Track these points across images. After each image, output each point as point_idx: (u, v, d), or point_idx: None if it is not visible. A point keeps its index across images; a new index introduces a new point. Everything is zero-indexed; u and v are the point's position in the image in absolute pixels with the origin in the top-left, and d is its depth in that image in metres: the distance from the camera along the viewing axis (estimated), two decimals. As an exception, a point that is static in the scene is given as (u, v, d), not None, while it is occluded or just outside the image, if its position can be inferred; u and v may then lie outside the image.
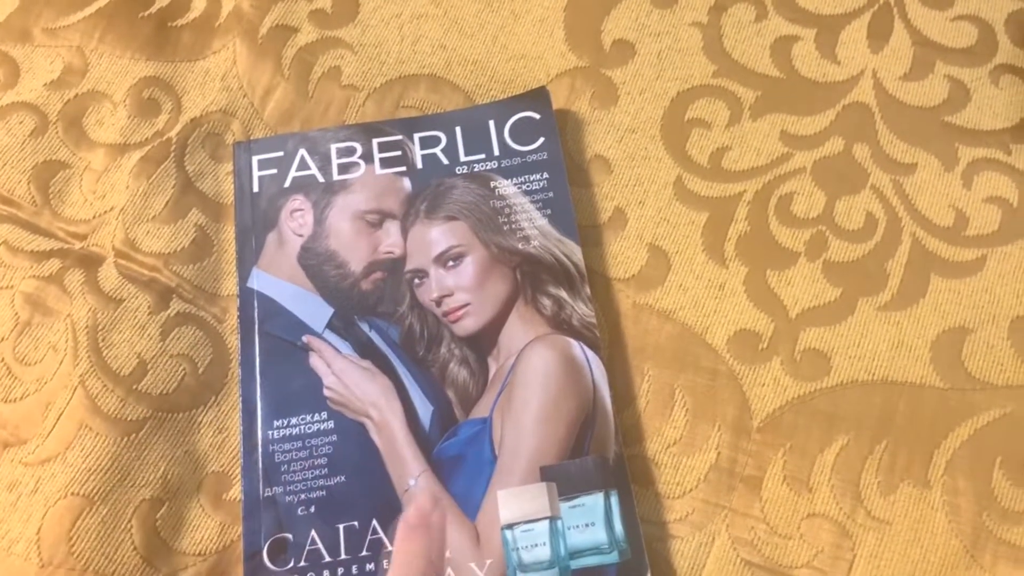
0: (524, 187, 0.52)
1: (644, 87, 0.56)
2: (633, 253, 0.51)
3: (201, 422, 0.48)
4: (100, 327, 0.49)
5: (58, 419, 0.47)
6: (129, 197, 0.53)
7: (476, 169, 0.53)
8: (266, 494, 0.45)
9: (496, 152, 0.53)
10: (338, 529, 0.45)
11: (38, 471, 0.46)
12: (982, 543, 0.44)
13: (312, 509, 0.45)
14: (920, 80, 0.55)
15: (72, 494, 0.45)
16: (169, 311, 0.50)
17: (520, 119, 0.54)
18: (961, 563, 0.44)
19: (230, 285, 0.51)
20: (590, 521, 0.44)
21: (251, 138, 0.55)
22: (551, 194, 0.52)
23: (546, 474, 0.45)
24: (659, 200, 0.53)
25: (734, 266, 0.51)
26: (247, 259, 0.51)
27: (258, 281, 0.50)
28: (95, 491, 0.45)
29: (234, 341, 0.50)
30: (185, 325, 0.50)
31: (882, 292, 0.50)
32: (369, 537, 0.44)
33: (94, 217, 0.53)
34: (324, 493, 0.45)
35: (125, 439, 0.47)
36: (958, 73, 0.55)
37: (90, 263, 0.51)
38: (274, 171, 0.53)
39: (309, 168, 0.53)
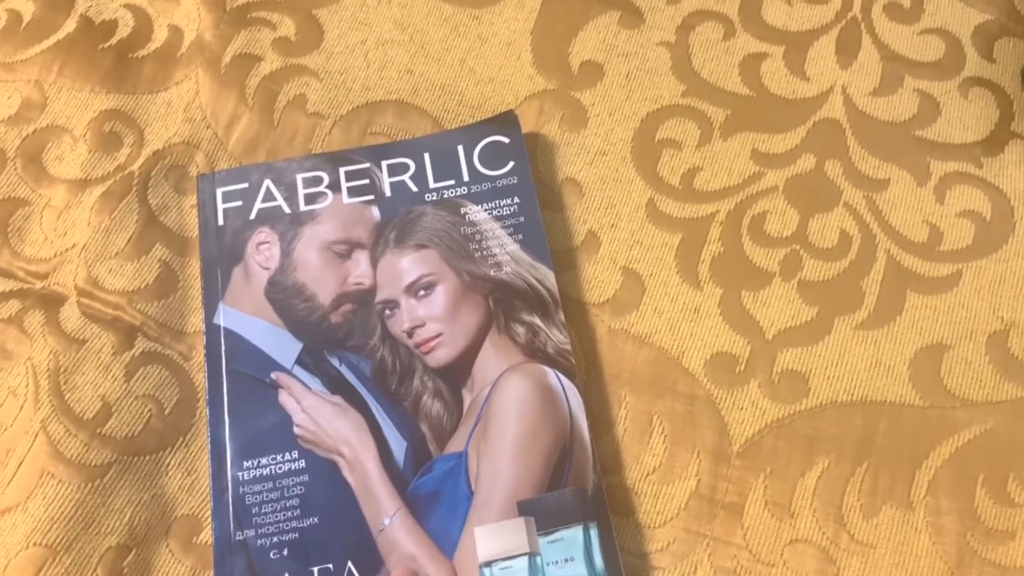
0: (495, 212, 0.51)
1: (613, 108, 0.55)
2: (607, 277, 0.51)
3: (168, 464, 0.47)
4: (62, 369, 0.48)
5: (19, 467, 0.45)
6: (91, 234, 0.52)
7: (446, 195, 0.52)
8: (237, 537, 0.44)
9: (466, 178, 0.53)
10: (312, 572, 0.43)
11: (-2, 522, 0.44)
12: (967, 564, 0.43)
13: (285, 552, 0.44)
14: (889, 95, 0.55)
15: (34, 544, 0.44)
16: (134, 350, 0.49)
17: (489, 143, 0.53)
18: (946, 585, 0.43)
19: (196, 321, 0.50)
20: (569, 556, 0.43)
21: (215, 169, 0.54)
22: (522, 219, 0.51)
23: (524, 508, 0.44)
24: (632, 223, 0.52)
25: (709, 288, 0.50)
26: (213, 295, 0.50)
27: (225, 317, 0.49)
28: (58, 541, 0.44)
29: (201, 379, 0.48)
30: (150, 364, 0.49)
31: (858, 310, 0.49)
32: (344, 579, 0.43)
33: (55, 255, 0.51)
34: (297, 535, 0.44)
35: (89, 485, 0.45)
36: (927, 87, 0.55)
37: (51, 303, 0.50)
38: (239, 203, 0.52)
39: (275, 199, 0.52)
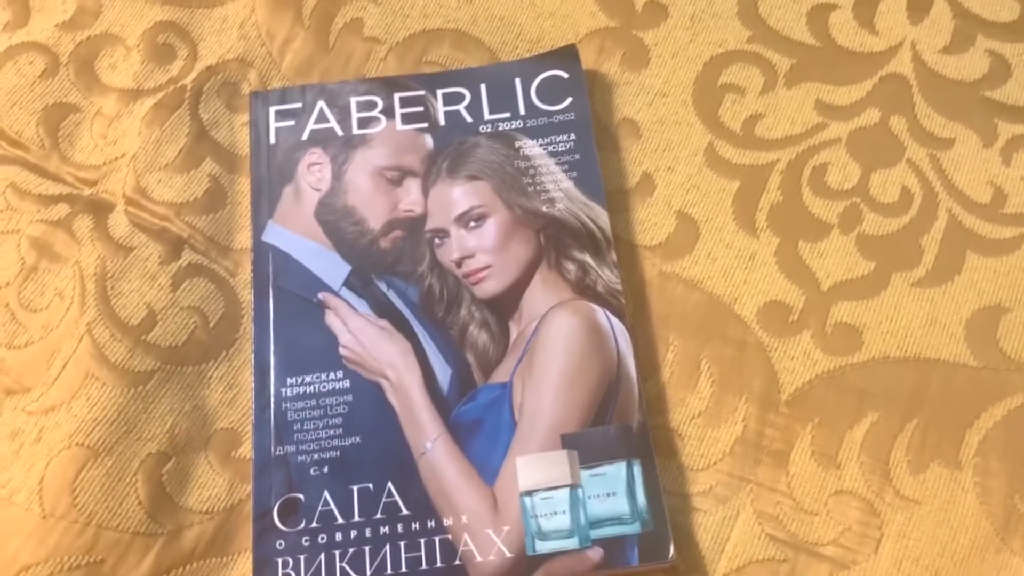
0: (550, 148, 0.50)
1: (676, 50, 0.54)
2: (661, 220, 0.50)
3: (211, 377, 0.46)
4: (109, 275, 0.47)
5: (63, 367, 0.45)
6: (141, 144, 0.51)
7: (500, 128, 0.51)
8: (277, 453, 0.44)
9: (522, 111, 0.52)
10: (352, 491, 0.43)
11: (42, 420, 0.44)
12: (1013, 526, 0.43)
13: (325, 469, 0.43)
14: (960, 54, 0.53)
15: (76, 444, 0.43)
16: (180, 262, 0.48)
17: (547, 78, 0.52)
18: (991, 546, 0.43)
19: (243, 238, 0.49)
20: (612, 490, 0.43)
21: (268, 89, 0.53)
22: (577, 156, 0.50)
23: (567, 442, 0.43)
24: (689, 167, 0.51)
25: (765, 236, 0.49)
26: (262, 212, 0.49)
27: (273, 235, 0.49)
28: (100, 442, 0.44)
29: (246, 296, 0.48)
30: (197, 277, 0.48)
31: (916, 268, 0.48)
32: (384, 500, 0.43)
33: (104, 163, 0.51)
34: (338, 454, 0.44)
35: (132, 391, 0.45)
36: (999, 48, 0.53)
37: (99, 209, 0.49)
38: (292, 123, 0.51)
39: (328, 121, 0.51)
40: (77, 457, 0.43)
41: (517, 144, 0.51)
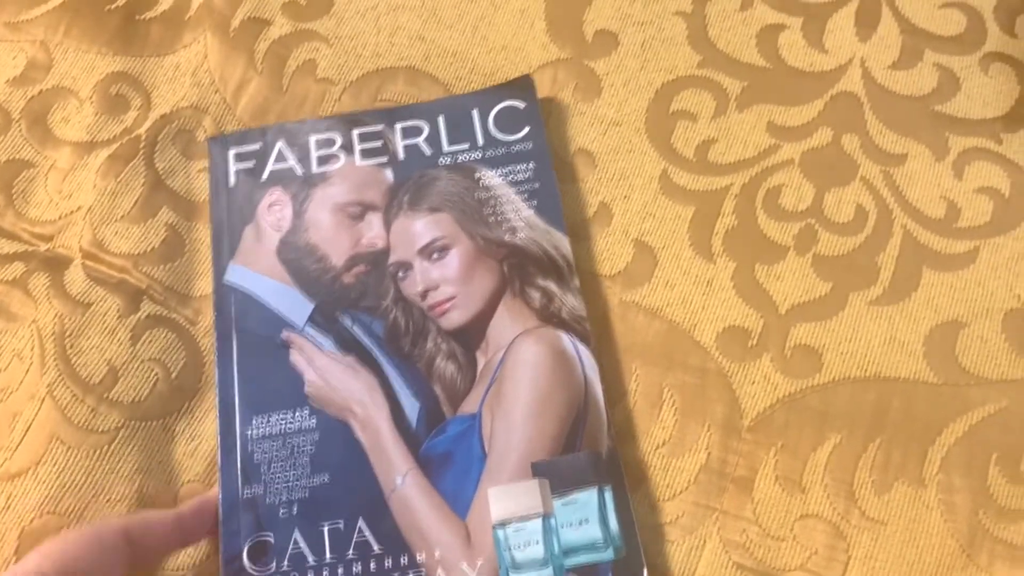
0: (509, 178, 0.51)
1: (628, 78, 0.54)
2: (619, 249, 0.50)
3: (175, 430, 0.46)
4: (68, 333, 0.47)
5: (26, 431, 0.45)
6: (97, 196, 0.51)
7: (460, 159, 0.51)
8: (246, 495, 0.44)
9: (480, 142, 0.52)
10: (322, 530, 0.43)
11: (8, 487, 0.44)
12: (978, 542, 0.43)
13: (294, 510, 0.43)
14: (909, 69, 0.54)
15: (48, 513, 0.43)
16: (139, 314, 0.48)
17: (504, 108, 0.53)
18: (957, 563, 0.43)
19: (203, 286, 0.49)
20: (584, 518, 0.43)
21: (226, 132, 0.53)
22: (537, 185, 0.50)
23: (538, 470, 0.43)
24: (644, 194, 0.51)
25: (722, 261, 0.49)
26: (223, 254, 0.49)
27: (235, 275, 0.49)
28: (70, 508, 0.43)
29: (207, 344, 0.48)
30: (156, 328, 0.48)
31: (873, 286, 0.49)
32: (355, 538, 0.43)
33: (60, 217, 0.51)
34: (307, 493, 0.44)
35: (97, 451, 0.45)
36: (947, 61, 0.54)
37: (56, 265, 0.49)
38: (251, 164, 0.51)
39: (287, 161, 0.52)
40: (49, 526, 0.43)
41: (477, 175, 0.51)
